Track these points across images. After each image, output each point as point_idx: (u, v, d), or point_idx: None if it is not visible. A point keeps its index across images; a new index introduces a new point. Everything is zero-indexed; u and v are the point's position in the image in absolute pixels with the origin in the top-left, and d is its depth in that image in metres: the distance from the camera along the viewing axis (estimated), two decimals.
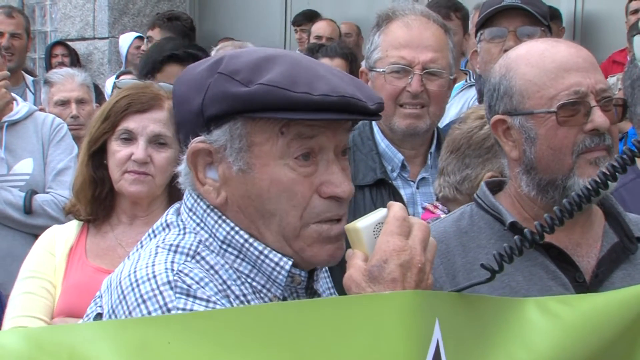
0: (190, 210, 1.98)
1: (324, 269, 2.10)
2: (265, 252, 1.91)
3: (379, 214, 1.89)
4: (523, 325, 1.93)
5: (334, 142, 1.92)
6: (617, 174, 1.91)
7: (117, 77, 7.26)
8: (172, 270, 1.81)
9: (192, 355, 1.58)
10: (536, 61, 2.33)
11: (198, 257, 1.88)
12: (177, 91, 2.00)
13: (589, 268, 2.37)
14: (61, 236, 3.24)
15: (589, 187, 1.95)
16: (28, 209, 4.52)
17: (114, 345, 1.58)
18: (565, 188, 2.29)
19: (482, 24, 4.06)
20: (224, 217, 1.93)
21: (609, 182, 1.95)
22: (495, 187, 2.48)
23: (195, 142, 1.92)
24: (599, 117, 2.27)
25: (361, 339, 1.63)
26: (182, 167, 2.01)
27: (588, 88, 2.28)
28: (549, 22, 4.06)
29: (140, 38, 8.91)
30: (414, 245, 1.81)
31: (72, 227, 3.27)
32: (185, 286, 1.79)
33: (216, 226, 1.94)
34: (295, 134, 1.87)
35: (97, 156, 3.18)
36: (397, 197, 3.27)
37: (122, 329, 1.63)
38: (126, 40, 8.88)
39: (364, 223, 1.87)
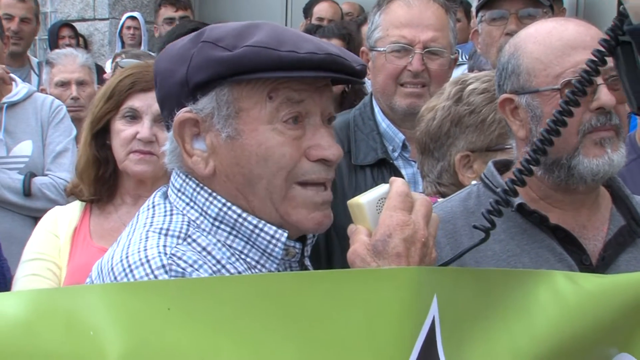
0: (179, 190, 1.96)
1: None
2: (260, 225, 1.90)
3: (381, 189, 1.89)
4: (527, 301, 1.92)
5: (320, 107, 1.92)
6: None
7: (114, 59, 7.23)
8: (165, 254, 1.79)
9: (190, 323, 1.57)
10: (543, 39, 2.31)
11: (189, 240, 1.86)
12: (158, 68, 1.98)
13: (596, 251, 2.35)
14: (64, 217, 3.23)
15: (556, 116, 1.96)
16: (27, 192, 4.51)
17: (112, 310, 1.57)
18: (570, 167, 2.27)
19: (483, 5, 4.03)
20: (214, 194, 1.91)
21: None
22: (503, 167, 2.47)
23: (182, 113, 1.90)
24: (604, 95, 2.23)
25: (355, 314, 1.62)
26: (167, 146, 1.99)
27: None
28: (551, 2, 4.03)
29: (132, 18, 8.88)
30: (417, 220, 1.82)
31: (75, 208, 3.25)
32: (180, 269, 1.77)
33: (207, 203, 1.91)
34: (283, 98, 1.87)
35: (100, 136, 3.16)
36: (399, 177, 3.26)
37: (123, 293, 1.62)
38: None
39: (367, 198, 1.87)
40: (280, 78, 1.86)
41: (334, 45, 1.94)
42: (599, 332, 2.02)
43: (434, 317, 1.70)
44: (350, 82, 1.99)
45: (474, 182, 2.71)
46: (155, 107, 3.08)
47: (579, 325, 1.98)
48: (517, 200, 2.32)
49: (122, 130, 3.10)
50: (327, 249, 3.11)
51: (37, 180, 4.54)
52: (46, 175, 4.60)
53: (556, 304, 1.95)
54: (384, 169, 3.31)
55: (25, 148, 4.63)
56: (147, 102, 3.09)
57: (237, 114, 1.87)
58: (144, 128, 3.08)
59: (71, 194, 3.28)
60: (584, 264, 2.31)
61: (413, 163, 3.36)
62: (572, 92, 2.03)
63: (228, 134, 1.88)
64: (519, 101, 2.33)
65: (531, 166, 2.01)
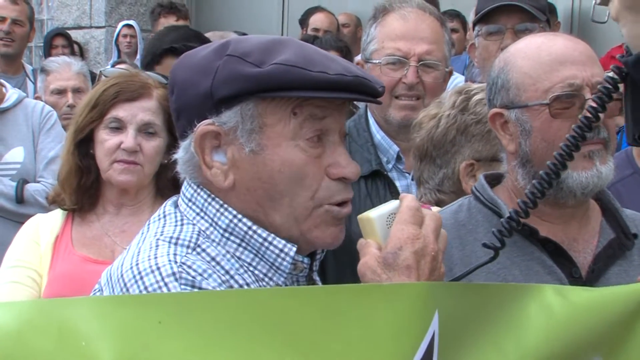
0: (190, 200, 1.96)
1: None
2: (269, 238, 1.90)
3: (391, 204, 1.90)
4: (518, 316, 1.92)
5: (339, 125, 1.93)
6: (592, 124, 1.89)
7: (113, 67, 7.23)
8: (176, 262, 1.79)
9: (182, 336, 1.57)
10: (532, 54, 2.33)
11: (199, 250, 1.86)
12: (178, 77, 1.96)
13: (585, 263, 2.36)
14: (45, 225, 3.22)
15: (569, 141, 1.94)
16: (20, 199, 4.50)
17: (104, 322, 1.56)
18: (559, 181, 2.28)
19: (480, 19, 4.04)
20: (225, 206, 1.92)
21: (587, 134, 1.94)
22: (494, 180, 2.48)
23: (204, 125, 1.89)
24: None
25: (354, 330, 1.62)
26: (181, 155, 1.98)
27: (583, 81, 2.27)
28: (548, 16, 4.04)
29: (128, 26, 8.90)
30: (427, 234, 1.83)
31: (57, 216, 3.25)
32: (190, 277, 1.77)
33: (218, 214, 1.92)
34: (307, 115, 1.88)
35: (83, 145, 3.16)
36: (393, 189, 3.27)
37: (115, 305, 1.62)
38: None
39: (377, 213, 1.89)
40: (309, 97, 1.87)
41: (355, 66, 1.96)
42: (588, 343, 2.02)
43: (434, 332, 1.70)
44: (370, 102, 2.01)
45: None
46: (140, 116, 3.08)
47: (567, 338, 1.98)
48: (507, 213, 2.33)
49: (106, 140, 3.10)
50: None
51: (30, 187, 4.53)
52: (39, 181, 4.59)
53: (545, 318, 1.95)
54: (378, 180, 3.31)
55: (17, 154, 4.62)
56: (131, 112, 3.09)
57: (261, 129, 1.87)
58: (128, 138, 3.08)
59: (53, 202, 3.28)
60: (574, 277, 2.32)
61: (407, 175, 3.37)
62: (578, 126, 1.98)
63: (251, 148, 1.88)
64: (509, 116, 2.35)
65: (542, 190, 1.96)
